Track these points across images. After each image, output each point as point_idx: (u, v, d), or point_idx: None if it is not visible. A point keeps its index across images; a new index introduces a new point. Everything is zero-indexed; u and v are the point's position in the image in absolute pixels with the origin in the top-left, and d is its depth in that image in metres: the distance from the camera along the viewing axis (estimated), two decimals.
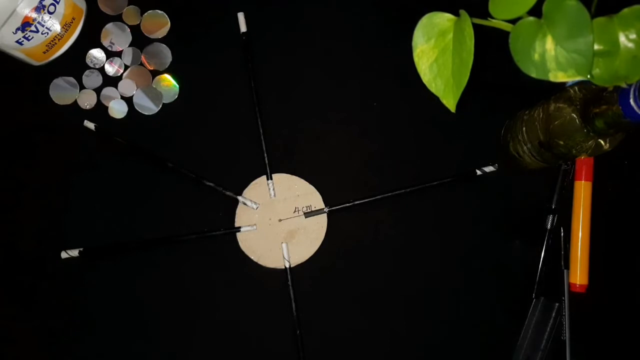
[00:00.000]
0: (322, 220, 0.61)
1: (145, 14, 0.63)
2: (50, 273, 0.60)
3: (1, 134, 0.62)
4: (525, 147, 0.54)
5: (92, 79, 0.62)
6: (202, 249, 0.60)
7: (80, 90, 0.62)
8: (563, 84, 0.54)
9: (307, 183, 0.61)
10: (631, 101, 0.38)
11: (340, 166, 0.62)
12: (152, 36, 0.63)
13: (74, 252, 0.59)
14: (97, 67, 0.63)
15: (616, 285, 0.60)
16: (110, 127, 0.62)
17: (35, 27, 0.57)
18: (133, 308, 0.60)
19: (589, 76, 0.36)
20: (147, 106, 0.62)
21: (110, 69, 0.63)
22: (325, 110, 0.62)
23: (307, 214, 0.60)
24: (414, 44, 0.41)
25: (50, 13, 0.58)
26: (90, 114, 0.62)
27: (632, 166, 0.61)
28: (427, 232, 0.61)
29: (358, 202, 0.60)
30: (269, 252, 0.60)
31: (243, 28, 0.62)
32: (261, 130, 0.61)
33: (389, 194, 0.60)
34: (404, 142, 0.62)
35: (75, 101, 0.62)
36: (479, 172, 0.60)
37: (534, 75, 0.37)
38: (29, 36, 0.57)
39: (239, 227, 0.60)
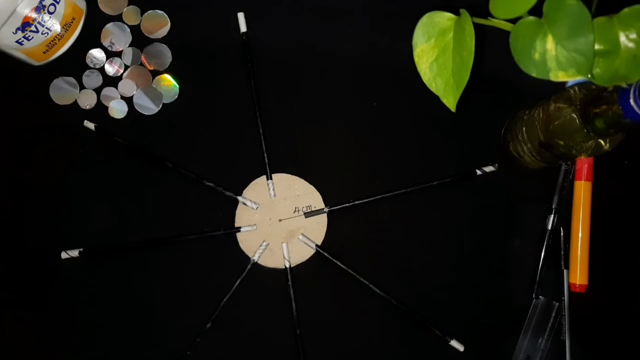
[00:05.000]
0: (322, 220, 0.61)
1: (145, 14, 0.63)
2: (50, 273, 0.60)
3: (1, 134, 0.62)
4: (525, 147, 0.54)
5: (92, 79, 0.62)
6: (202, 249, 0.60)
7: (80, 90, 0.62)
8: (563, 84, 0.54)
9: (307, 183, 0.61)
10: (631, 101, 0.38)
11: (340, 166, 0.62)
12: (152, 36, 0.63)
13: (74, 252, 0.59)
14: (97, 67, 0.63)
15: (616, 285, 0.60)
16: (110, 127, 0.62)
17: (35, 27, 0.57)
18: (133, 308, 0.60)
19: (589, 76, 0.36)
20: (147, 106, 0.62)
21: (110, 69, 0.63)
22: (325, 110, 0.62)
23: (307, 214, 0.60)
24: (414, 43, 0.41)
25: (50, 13, 0.58)
26: (90, 114, 0.62)
27: (632, 166, 0.61)
28: (427, 232, 0.61)
29: (358, 202, 0.60)
30: (269, 252, 0.60)
31: (243, 28, 0.62)
32: (261, 130, 0.61)
33: (389, 194, 0.60)
34: (403, 142, 0.62)
35: (75, 101, 0.62)
36: (479, 172, 0.60)
37: (534, 74, 0.37)
38: (29, 36, 0.57)
39: (239, 227, 0.60)
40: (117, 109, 0.62)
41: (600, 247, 0.59)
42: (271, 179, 0.61)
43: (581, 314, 0.59)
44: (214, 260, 0.60)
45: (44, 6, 0.57)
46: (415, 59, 0.41)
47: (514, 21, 0.37)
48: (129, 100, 0.62)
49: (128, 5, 0.63)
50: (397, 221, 0.61)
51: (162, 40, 0.63)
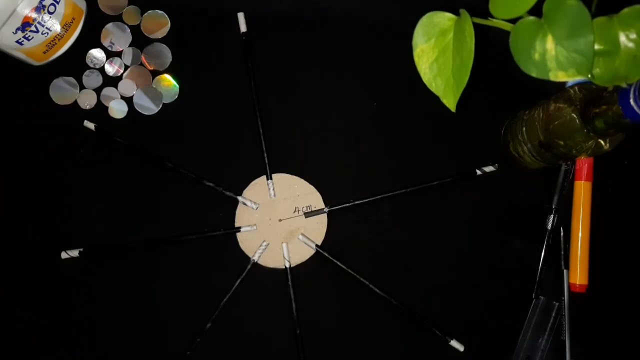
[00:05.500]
0: (322, 220, 0.61)
1: (145, 14, 0.63)
2: (50, 273, 0.60)
3: (1, 134, 0.62)
4: (525, 147, 0.54)
5: (92, 79, 0.62)
6: (202, 249, 0.60)
7: (80, 90, 0.62)
8: (563, 84, 0.54)
9: (307, 183, 0.61)
10: (631, 101, 0.38)
11: (340, 166, 0.62)
12: (152, 36, 0.63)
13: (74, 252, 0.59)
14: (97, 67, 0.63)
15: (616, 285, 0.60)
16: (110, 127, 0.62)
17: (35, 27, 0.57)
18: (133, 308, 0.60)
19: (589, 76, 0.36)
20: (147, 106, 0.62)
21: (110, 69, 0.63)
22: (325, 110, 0.62)
23: (307, 214, 0.60)
24: (414, 43, 0.41)
25: (50, 13, 0.58)
26: (90, 114, 0.62)
27: (632, 166, 0.61)
28: (427, 232, 0.61)
29: (358, 202, 0.60)
30: (269, 252, 0.60)
31: (243, 28, 0.62)
32: (261, 130, 0.61)
33: (389, 194, 0.60)
34: (404, 142, 0.62)
35: (75, 101, 0.62)
36: (479, 172, 0.60)
37: (534, 74, 0.37)
38: (29, 36, 0.57)
39: (239, 227, 0.60)
40: (117, 109, 0.62)
41: (600, 247, 0.59)
42: (271, 179, 0.61)
43: (581, 314, 0.59)
44: (214, 260, 0.60)
45: (44, 6, 0.57)
46: (415, 59, 0.41)
47: (513, 21, 0.37)
48: (129, 100, 0.62)
49: (128, 5, 0.63)
50: (397, 221, 0.61)
51: (162, 40, 0.63)
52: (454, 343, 0.58)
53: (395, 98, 0.62)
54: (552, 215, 0.59)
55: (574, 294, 0.58)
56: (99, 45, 0.63)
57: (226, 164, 0.61)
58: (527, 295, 0.59)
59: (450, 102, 0.41)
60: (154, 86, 0.62)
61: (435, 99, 0.41)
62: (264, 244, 0.60)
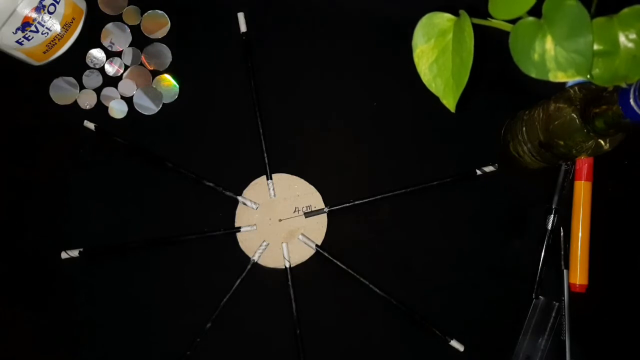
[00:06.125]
0: (322, 220, 0.61)
1: (145, 14, 0.63)
2: (50, 273, 0.60)
3: (1, 134, 0.62)
4: (525, 147, 0.54)
5: (92, 79, 0.62)
6: (202, 249, 0.60)
7: (80, 90, 0.62)
8: (563, 84, 0.54)
9: (307, 183, 0.61)
10: (631, 101, 0.38)
11: (340, 166, 0.62)
12: (152, 36, 0.63)
13: (74, 252, 0.59)
14: (97, 67, 0.63)
15: (616, 285, 0.60)
16: (110, 127, 0.62)
17: (35, 27, 0.57)
18: (133, 308, 0.60)
19: (588, 76, 0.36)
20: (147, 106, 0.62)
21: (110, 69, 0.63)
22: (326, 110, 0.62)
23: (307, 214, 0.60)
24: (413, 44, 0.41)
25: (50, 13, 0.58)
26: (90, 114, 0.62)
27: (632, 166, 0.61)
28: (427, 232, 0.61)
29: (358, 202, 0.60)
30: (269, 252, 0.60)
31: (243, 28, 0.62)
32: (261, 130, 0.61)
33: (389, 194, 0.60)
34: (404, 142, 0.62)
35: (75, 101, 0.62)
36: (479, 172, 0.60)
37: (533, 75, 0.37)
38: (29, 36, 0.57)
39: (239, 227, 0.60)
40: (117, 109, 0.62)
41: (600, 247, 0.59)
42: (271, 179, 0.61)
43: (581, 314, 0.59)
44: (214, 260, 0.60)
45: (44, 6, 0.57)
46: (415, 59, 0.41)
47: (513, 22, 0.37)
48: (129, 100, 0.62)
49: (128, 5, 0.63)
50: (397, 221, 0.61)
51: (162, 40, 0.63)
52: (454, 343, 0.58)
53: (395, 98, 0.62)
54: (552, 215, 0.59)
55: (574, 294, 0.58)
56: (99, 45, 0.63)
57: (226, 164, 0.61)
58: (527, 295, 0.59)
59: (450, 102, 0.41)
60: (154, 86, 0.62)
61: (435, 99, 0.41)
62: (264, 244, 0.60)
